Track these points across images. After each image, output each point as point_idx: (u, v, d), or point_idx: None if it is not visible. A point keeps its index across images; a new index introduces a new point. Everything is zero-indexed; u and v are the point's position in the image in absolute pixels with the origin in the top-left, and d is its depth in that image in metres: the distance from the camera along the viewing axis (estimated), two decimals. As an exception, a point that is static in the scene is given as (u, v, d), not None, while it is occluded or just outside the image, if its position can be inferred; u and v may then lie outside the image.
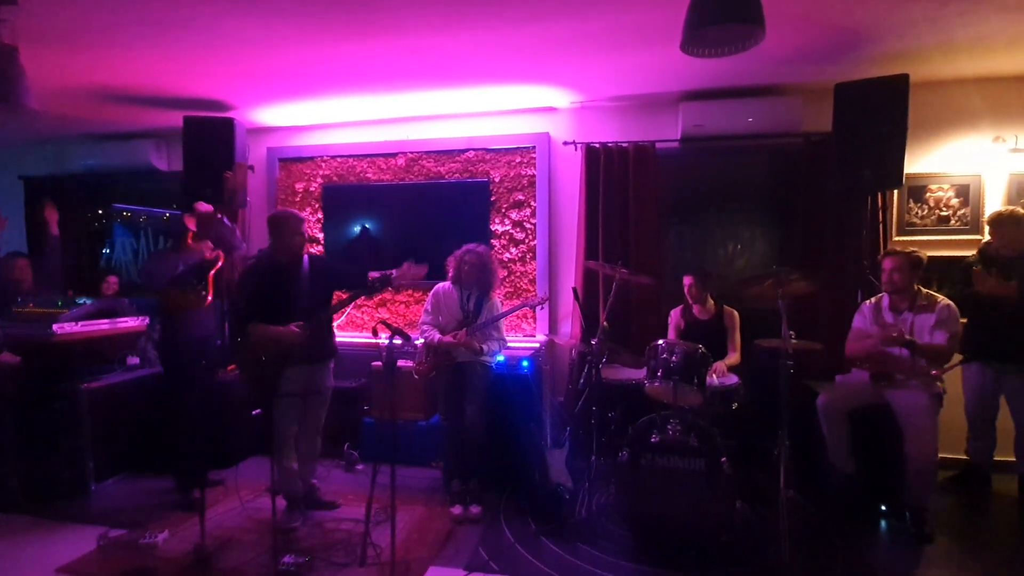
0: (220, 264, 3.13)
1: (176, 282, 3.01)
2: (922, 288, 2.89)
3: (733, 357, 3.24)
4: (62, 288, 3.72)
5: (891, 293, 2.89)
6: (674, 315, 3.46)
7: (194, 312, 3.06)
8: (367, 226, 4.28)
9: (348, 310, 4.32)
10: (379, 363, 3.43)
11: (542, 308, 3.91)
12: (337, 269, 3.10)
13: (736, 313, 3.32)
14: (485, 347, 3.08)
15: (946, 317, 2.78)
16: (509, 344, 3.39)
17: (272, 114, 4.11)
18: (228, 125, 3.76)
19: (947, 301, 2.83)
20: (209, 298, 3.08)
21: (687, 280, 3.32)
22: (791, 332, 2.51)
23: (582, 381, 3.17)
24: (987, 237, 3.20)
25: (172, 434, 3.17)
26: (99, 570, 2.47)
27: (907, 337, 2.70)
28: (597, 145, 3.80)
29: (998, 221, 3.05)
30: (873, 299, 3.00)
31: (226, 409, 3.54)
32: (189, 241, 3.14)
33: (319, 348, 2.85)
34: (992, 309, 2.95)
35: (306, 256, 2.88)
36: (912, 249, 2.91)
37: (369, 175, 4.31)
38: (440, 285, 3.22)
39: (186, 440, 3.08)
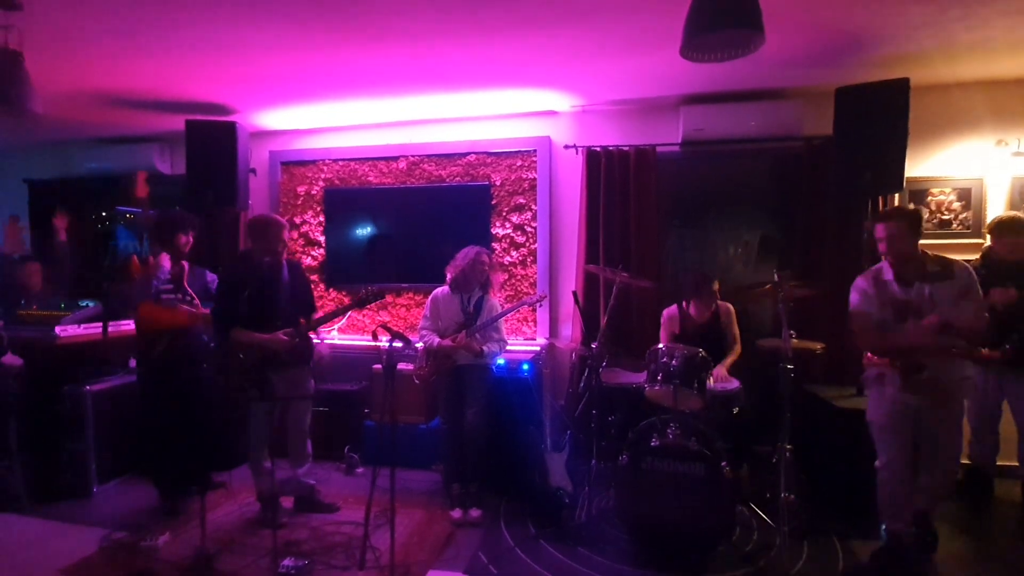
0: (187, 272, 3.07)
1: (158, 298, 2.93)
2: (927, 251, 2.47)
3: (736, 351, 3.21)
4: (69, 293, 3.75)
5: (895, 264, 2.47)
6: (668, 316, 3.30)
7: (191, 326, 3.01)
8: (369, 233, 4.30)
9: (349, 313, 4.32)
10: (379, 366, 3.44)
11: (541, 306, 3.91)
12: (306, 285, 3.13)
13: (731, 306, 3.28)
14: (485, 348, 3.09)
15: (969, 282, 2.38)
16: (510, 347, 3.39)
17: (274, 118, 4.13)
18: (230, 129, 3.78)
19: (962, 263, 2.44)
20: (200, 308, 3.01)
21: (712, 287, 3.17)
22: (791, 332, 2.51)
23: (582, 384, 3.17)
24: (989, 242, 3.19)
25: (152, 442, 3.14)
26: (101, 572, 2.48)
27: (951, 325, 2.27)
28: (598, 149, 3.80)
29: (999, 228, 3.04)
30: (870, 271, 2.56)
31: (227, 412, 3.55)
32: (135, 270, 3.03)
33: (300, 352, 2.90)
34: (996, 314, 2.94)
35: (285, 261, 2.92)
36: (911, 206, 2.56)
37: (370, 178, 4.32)
38: (439, 290, 3.23)
39: (164, 449, 3.06)
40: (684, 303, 3.28)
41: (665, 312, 3.36)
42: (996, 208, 3.41)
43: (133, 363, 3.66)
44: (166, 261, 2.99)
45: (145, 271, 2.98)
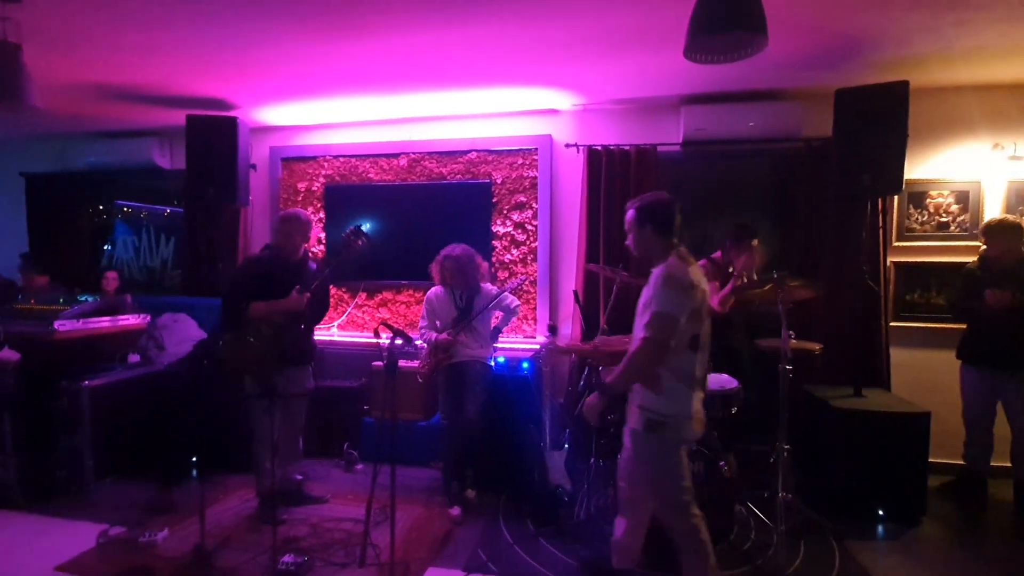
0: None
1: None
2: (676, 248, 1.98)
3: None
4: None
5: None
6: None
7: None
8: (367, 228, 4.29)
9: (349, 310, 4.34)
10: (380, 363, 3.45)
11: (521, 288, 3.94)
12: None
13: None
14: (481, 328, 3.12)
15: (656, 291, 1.87)
16: (510, 344, 3.40)
17: (275, 113, 4.12)
18: (231, 124, 3.77)
19: (672, 265, 1.90)
20: None
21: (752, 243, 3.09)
22: (790, 332, 2.52)
23: (582, 383, 3.17)
24: (983, 245, 3.22)
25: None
26: (98, 568, 2.47)
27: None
28: (599, 148, 3.81)
29: (989, 231, 3.09)
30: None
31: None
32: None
33: (301, 351, 2.93)
34: (990, 316, 2.97)
35: (313, 262, 2.99)
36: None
37: (371, 175, 4.31)
38: (432, 290, 3.25)
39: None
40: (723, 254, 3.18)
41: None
42: (993, 211, 3.44)
43: (133, 358, 3.65)
44: None
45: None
